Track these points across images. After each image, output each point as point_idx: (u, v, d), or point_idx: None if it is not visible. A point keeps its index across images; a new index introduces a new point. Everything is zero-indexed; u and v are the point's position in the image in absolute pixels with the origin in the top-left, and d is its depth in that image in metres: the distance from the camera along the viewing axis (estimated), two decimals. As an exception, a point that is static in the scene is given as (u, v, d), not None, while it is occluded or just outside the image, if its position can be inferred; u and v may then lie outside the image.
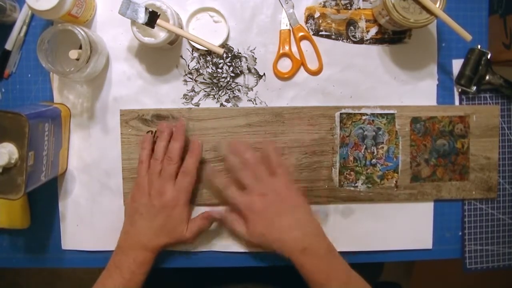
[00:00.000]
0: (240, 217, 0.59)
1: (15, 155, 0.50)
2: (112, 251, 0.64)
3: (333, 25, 0.63)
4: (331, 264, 0.55)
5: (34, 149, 0.52)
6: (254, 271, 0.67)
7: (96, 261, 0.64)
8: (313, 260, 0.54)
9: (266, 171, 0.58)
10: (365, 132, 0.63)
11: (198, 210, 0.64)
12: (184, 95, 0.63)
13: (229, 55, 0.63)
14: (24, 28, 0.63)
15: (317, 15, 0.63)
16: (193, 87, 0.63)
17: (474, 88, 0.63)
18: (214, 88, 0.63)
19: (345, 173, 0.63)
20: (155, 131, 0.62)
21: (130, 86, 0.63)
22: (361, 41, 0.64)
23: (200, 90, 0.64)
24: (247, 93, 0.64)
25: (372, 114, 0.63)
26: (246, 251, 0.64)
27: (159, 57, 0.63)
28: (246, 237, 0.58)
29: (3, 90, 0.64)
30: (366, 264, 0.65)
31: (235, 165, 0.59)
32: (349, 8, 0.63)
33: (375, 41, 0.64)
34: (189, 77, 0.63)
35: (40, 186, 0.57)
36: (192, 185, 0.59)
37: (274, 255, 0.64)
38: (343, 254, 0.64)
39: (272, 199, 0.56)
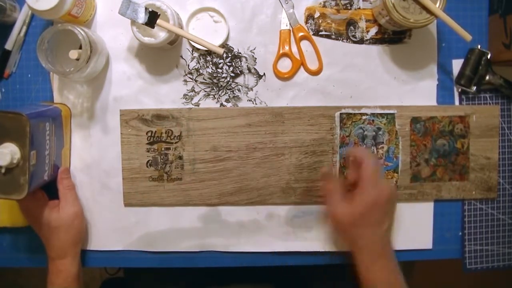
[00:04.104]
0: (341, 196, 0.57)
1: (17, 155, 0.50)
2: (113, 251, 0.64)
3: (333, 25, 0.63)
4: (396, 279, 0.55)
5: (36, 148, 0.52)
6: (254, 270, 0.68)
7: (97, 261, 0.65)
8: (383, 271, 0.55)
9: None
10: (365, 132, 0.63)
11: (197, 210, 0.64)
12: (184, 95, 0.63)
13: (229, 55, 0.63)
14: (24, 28, 0.63)
15: (317, 15, 0.63)
16: (193, 87, 0.63)
17: (474, 88, 0.63)
18: (214, 88, 0.63)
19: (345, 173, 0.63)
20: (155, 131, 0.62)
21: (130, 86, 0.63)
22: (361, 41, 0.64)
23: (200, 90, 0.64)
24: (247, 93, 0.64)
25: (372, 114, 0.63)
26: (245, 251, 0.64)
27: (159, 57, 0.63)
28: (345, 209, 0.56)
29: (3, 90, 0.64)
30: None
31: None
32: (349, 8, 0.63)
33: (375, 41, 0.64)
34: (189, 77, 0.63)
35: (42, 185, 0.57)
36: None
37: (273, 256, 0.64)
38: (343, 254, 0.64)
39: (393, 197, 0.57)
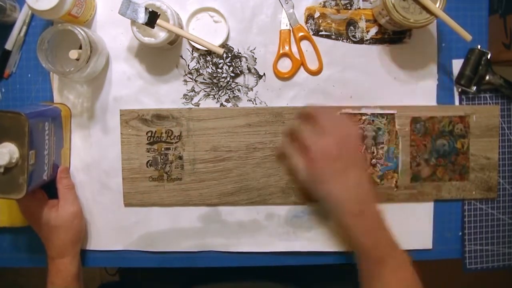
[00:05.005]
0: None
1: (16, 154, 0.50)
2: (113, 251, 0.64)
3: (333, 25, 0.63)
4: (382, 230, 0.52)
5: (35, 148, 0.52)
6: (253, 270, 0.68)
7: (96, 261, 0.65)
8: (364, 224, 0.51)
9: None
10: (365, 132, 0.63)
11: (197, 210, 0.64)
12: (184, 95, 0.63)
13: (229, 55, 0.63)
14: (24, 28, 0.63)
15: (317, 15, 0.63)
16: (193, 87, 0.63)
17: (474, 88, 0.63)
18: (214, 88, 0.63)
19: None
20: (155, 131, 0.62)
21: (130, 86, 0.63)
22: (361, 41, 0.64)
23: (200, 90, 0.64)
24: (247, 93, 0.64)
25: (372, 114, 0.63)
26: (245, 251, 0.64)
27: (159, 57, 0.63)
28: (301, 175, 0.51)
29: (3, 90, 0.64)
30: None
31: (317, 110, 0.52)
32: (349, 8, 0.63)
33: (375, 41, 0.64)
34: (189, 77, 0.63)
35: (42, 185, 0.57)
36: None
37: (273, 256, 0.64)
38: (344, 254, 0.64)
39: (349, 149, 0.51)
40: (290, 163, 0.53)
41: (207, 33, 0.62)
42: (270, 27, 0.63)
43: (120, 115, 0.63)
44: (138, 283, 0.79)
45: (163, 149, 0.63)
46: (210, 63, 0.63)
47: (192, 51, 0.63)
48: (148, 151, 0.63)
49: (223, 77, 0.63)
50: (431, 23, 0.57)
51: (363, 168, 0.56)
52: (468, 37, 0.57)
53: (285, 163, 0.54)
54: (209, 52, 0.63)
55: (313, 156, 0.51)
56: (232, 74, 0.63)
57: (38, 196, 0.59)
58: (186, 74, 0.63)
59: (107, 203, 0.64)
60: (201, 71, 0.63)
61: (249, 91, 0.64)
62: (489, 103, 0.65)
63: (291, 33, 0.63)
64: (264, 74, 0.63)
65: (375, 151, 0.64)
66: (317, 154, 0.51)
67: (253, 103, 0.64)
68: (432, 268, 1.19)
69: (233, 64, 0.63)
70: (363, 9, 0.63)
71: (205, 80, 0.63)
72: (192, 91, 0.63)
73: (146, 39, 0.57)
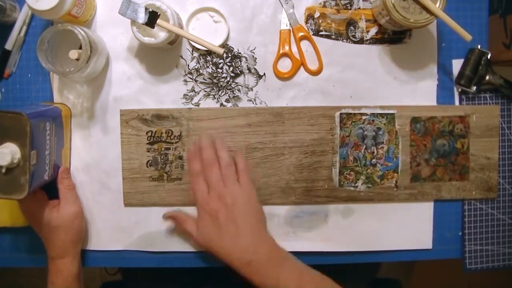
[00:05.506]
0: (193, 219, 0.60)
1: (18, 154, 0.50)
2: (113, 251, 0.64)
3: (333, 25, 0.63)
4: (281, 269, 0.55)
5: (36, 148, 0.52)
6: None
7: (97, 261, 0.65)
8: (260, 270, 0.55)
9: (234, 176, 0.59)
10: (365, 132, 0.63)
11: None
12: (184, 95, 0.63)
13: (229, 55, 0.63)
14: (24, 28, 0.63)
15: (317, 15, 0.63)
16: (193, 87, 0.64)
17: (474, 88, 0.63)
18: (214, 88, 0.64)
19: (345, 173, 0.63)
20: (155, 131, 0.62)
21: (130, 86, 0.63)
22: (361, 41, 0.64)
23: (200, 90, 0.64)
24: (247, 93, 0.64)
25: (372, 114, 0.63)
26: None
27: (159, 57, 0.63)
28: (194, 237, 0.59)
29: (3, 90, 0.64)
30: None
31: (208, 159, 0.59)
32: (349, 8, 0.64)
33: (375, 41, 0.64)
34: (189, 77, 0.63)
35: (43, 185, 0.57)
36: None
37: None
38: (344, 254, 0.64)
39: (227, 204, 0.57)
40: (185, 228, 0.60)
41: (207, 33, 0.62)
42: (270, 27, 0.63)
43: (120, 115, 0.63)
44: (138, 283, 0.79)
45: (163, 149, 0.63)
46: (210, 63, 0.63)
47: (192, 51, 0.63)
48: (148, 151, 0.63)
49: (223, 77, 0.63)
50: (431, 23, 0.57)
51: (246, 219, 0.57)
52: (468, 37, 0.57)
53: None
54: (209, 52, 0.63)
55: (198, 213, 0.58)
56: (232, 74, 0.63)
57: (39, 197, 0.59)
58: (186, 74, 0.63)
59: (107, 203, 0.64)
60: (201, 71, 0.63)
61: (249, 91, 0.64)
62: (489, 103, 0.65)
63: (291, 33, 0.63)
64: (264, 74, 0.63)
65: (375, 151, 0.64)
66: (201, 211, 0.58)
67: (253, 103, 0.64)
68: (432, 268, 1.19)
69: (233, 64, 0.63)
70: (363, 9, 0.63)
71: (205, 80, 0.63)
72: (192, 91, 0.63)
73: (146, 39, 0.57)
